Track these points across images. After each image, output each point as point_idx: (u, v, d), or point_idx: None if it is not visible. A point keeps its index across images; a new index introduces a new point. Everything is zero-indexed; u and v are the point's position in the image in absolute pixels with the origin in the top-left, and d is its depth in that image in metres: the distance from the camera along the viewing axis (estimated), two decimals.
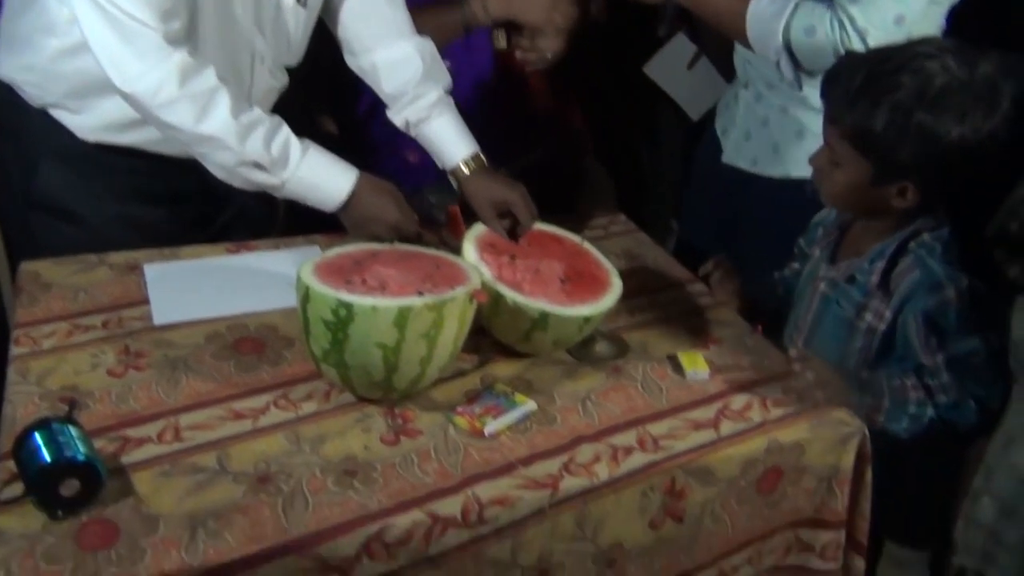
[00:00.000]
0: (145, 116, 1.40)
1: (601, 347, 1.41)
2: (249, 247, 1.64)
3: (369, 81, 1.67)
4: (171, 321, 1.40)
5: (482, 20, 1.82)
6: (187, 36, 1.39)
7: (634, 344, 1.44)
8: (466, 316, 1.24)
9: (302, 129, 1.52)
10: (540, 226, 1.51)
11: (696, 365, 1.38)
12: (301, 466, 1.14)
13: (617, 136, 2.60)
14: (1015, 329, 1.24)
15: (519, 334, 1.34)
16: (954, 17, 1.60)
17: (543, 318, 1.31)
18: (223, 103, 1.38)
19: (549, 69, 1.97)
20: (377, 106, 1.86)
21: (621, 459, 1.20)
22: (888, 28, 1.51)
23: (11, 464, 1.06)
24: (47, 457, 1.03)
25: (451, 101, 1.66)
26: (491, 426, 1.22)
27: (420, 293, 1.19)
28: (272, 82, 1.62)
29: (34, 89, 1.52)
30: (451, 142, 1.62)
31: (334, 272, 1.22)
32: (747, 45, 1.75)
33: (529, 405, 1.27)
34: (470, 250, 1.38)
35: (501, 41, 1.93)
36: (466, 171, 1.60)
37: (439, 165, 1.66)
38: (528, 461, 1.18)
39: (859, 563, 1.39)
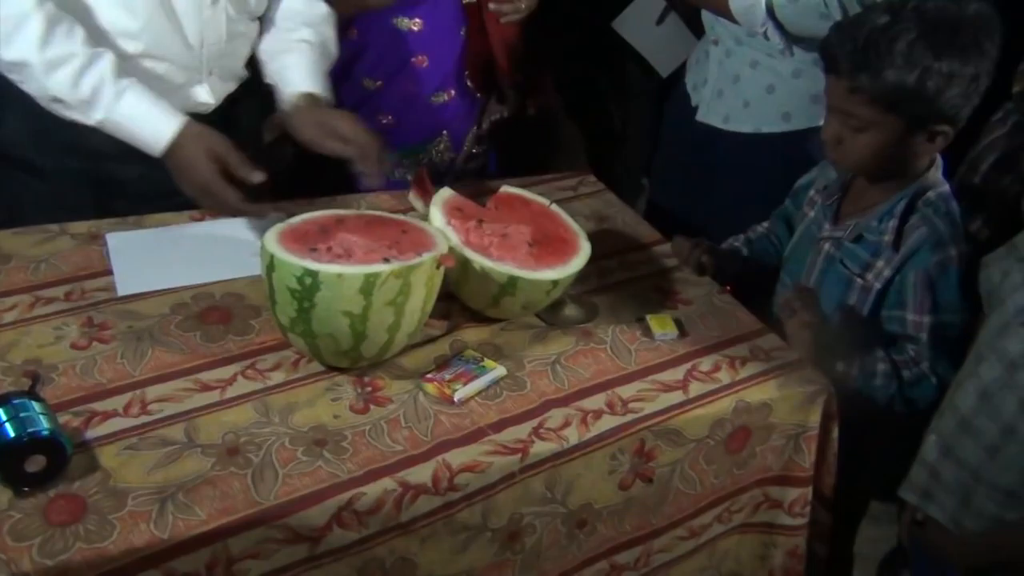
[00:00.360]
0: None
1: (570, 310, 1.41)
2: (214, 214, 1.61)
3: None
4: (135, 291, 1.38)
5: None
6: None
7: (603, 307, 1.44)
8: (434, 282, 1.23)
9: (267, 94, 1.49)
10: (508, 188, 1.50)
11: (665, 327, 1.38)
12: (270, 436, 1.14)
13: (587, 92, 2.58)
14: (983, 283, 1.25)
15: (487, 299, 1.34)
16: None
17: (511, 282, 1.30)
18: (31, 30, 1.33)
19: (520, 23, 1.94)
20: (346, 68, 1.83)
21: (590, 423, 1.21)
22: None
23: None
24: (10, 433, 1.02)
25: (324, 52, 1.62)
26: (461, 392, 1.22)
27: (386, 260, 1.17)
28: (237, 27, 1.57)
29: None
30: (296, 81, 1.56)
31: (299, 239, 1.20)
32: (732, 19, 1.74)
33: (498, 370, 1.27)
34: (437, 215, 1.36)
35: None
36: (299, 104, 1.54)
37: (280, 106, 1.59)
38: (498, 427, 1.18)
39: (825, 517, 1.42)
